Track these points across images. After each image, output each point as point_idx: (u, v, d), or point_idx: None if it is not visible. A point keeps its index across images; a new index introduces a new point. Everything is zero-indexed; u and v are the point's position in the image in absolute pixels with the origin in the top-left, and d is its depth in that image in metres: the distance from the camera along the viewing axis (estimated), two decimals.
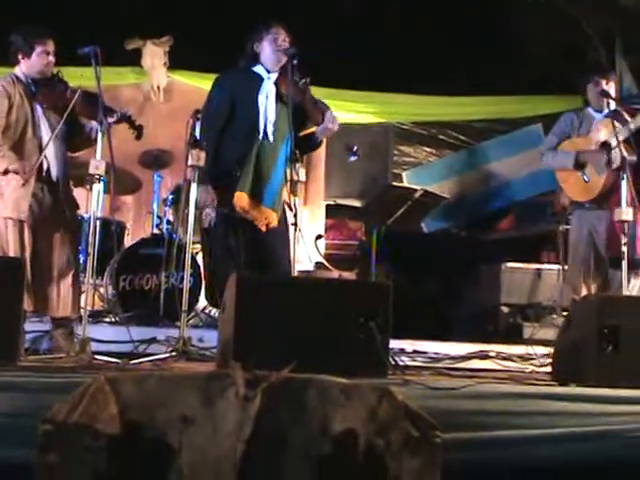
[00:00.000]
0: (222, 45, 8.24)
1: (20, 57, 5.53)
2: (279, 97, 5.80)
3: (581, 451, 2.61)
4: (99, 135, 5.21)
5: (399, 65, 9.36)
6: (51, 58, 5.54)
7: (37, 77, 5.54)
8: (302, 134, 5.91)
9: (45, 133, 5.48)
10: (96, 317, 6.88)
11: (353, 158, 5.76)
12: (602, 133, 6.22)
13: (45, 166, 5.44)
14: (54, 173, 5.48)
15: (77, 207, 5.70)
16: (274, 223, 5.71)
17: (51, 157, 5.46)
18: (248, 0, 8.82)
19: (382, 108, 10.39)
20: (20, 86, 5.50)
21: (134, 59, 9.34)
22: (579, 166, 6.30)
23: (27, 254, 5.34)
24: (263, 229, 5.70)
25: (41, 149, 5.40)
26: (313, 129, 5.90)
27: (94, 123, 5.46)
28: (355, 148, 5.73)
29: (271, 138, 5.74)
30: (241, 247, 5.74)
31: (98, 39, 5.45)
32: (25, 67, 5.54)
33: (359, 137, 9.40)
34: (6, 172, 5.33)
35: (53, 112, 5.51)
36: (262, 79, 5.84)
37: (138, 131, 5.76)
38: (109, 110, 5.48)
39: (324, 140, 6.08)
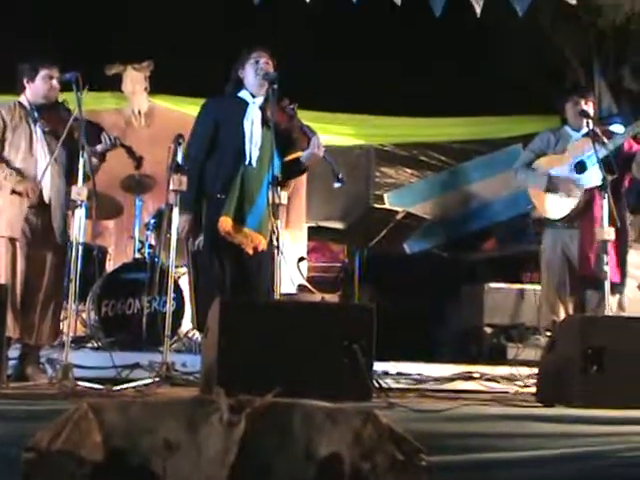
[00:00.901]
0: (203, 69, 8.26)
1: (25, 82, 5.63)
2: (264, 122, 5.79)
3: (568, 472, 2.61)
4: (81, 160, 5.21)
5: (380, 87, 9.38)
6: (55, 83, 5.59)
7: (42, 102, 5.60)
8: (287, 159, 5.91)
9: (42, 156, 5.51)
10: (78, 343, 6.85)
11: (337, 185, 5.74)
12: (580, 151, 6.25)
13: (38, 189, 5.46)
14: (46, 196, 5.49)
15: (67, 234, 5.69)
16: (262, 246, 5.69)
17: (46, 180, 5.47)
18: (229, 24, 8.84)
19: (363, 130, 10.42)
20: (21, 110, 5.58)
21: (114, 84, 9.33)
22: (550, 189, 6.33)
23: (18, 278, 5.35)
24: (250, 252, 5.69)
25: (36, 170, 5.45)
26: (298, 154, 5.89)
27: (98, 148, 5.54)
28: (341, 175, 5.72)
29: (256, 163, 5.73)
30: (227, 272, 5.73)
31: (78, 64, 5.46)
32: (30, 93, 5.62)
33: (340, 159, 9.41)
34: (12, 192, 5.40)
35: (54, 137, 5.51)
36: (247, 104, 5.85)
37: (138, 162, 5.82)
38: (105, 137, 5.53)
39: (310, 166, 6.05)
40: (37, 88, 5.59)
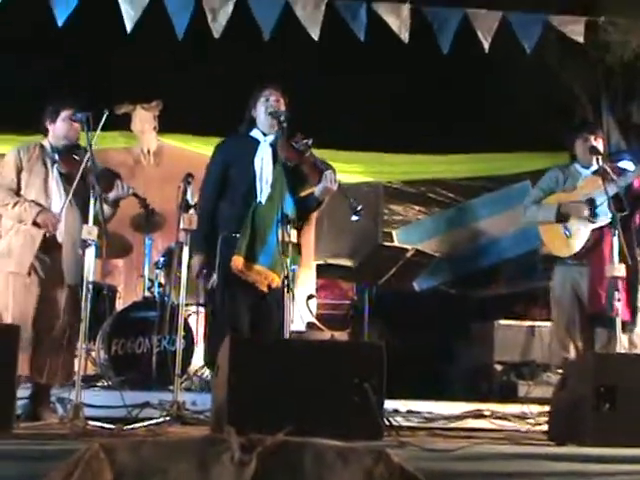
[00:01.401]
0: (211, 108, 8.30)
1: (47, 124, 5.72)
2: (276, 159, 5.80)
3: None
4: (92, 201, 5.23)
5: (388, 125, 9.42)
6: (76, 125, 5.62)
7: (63, 143, 5.67)
8: (302, 195, 5.90)
9: (57, 197, 5.57)
10: (89, 382, 6.83)
11: (355, 218, 5.70)
12: (590, 188, 6.24)
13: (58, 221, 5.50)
14: (60, 237, 5.51)
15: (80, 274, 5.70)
16: (276, 283, 5.65)
17: (61, 222, 5.50)
18: (238, 62, 8.89)
19: (371, 167, 10.44)
20: (40, 151, 5.65)
21: (124, 123, 9.38)
22: (561, 218, 6.31)
23: (30, 317, 5.36)
24: (264, 290, 5.67)
25: (52, 210, 5.50)
26: (312, 189, 5.87)
27: (111, 195, 5.57)
28: (359, 208, 5.68)
29: (267, 200, 5.73)
30: (241, 310, 5.71)
31: (87, 104, 5.51)
32: (52, 135, 5.72)
33: (349, 196, 9.43)
34: (35, 223, 5.45)
35: (72, 180, 5.52)
36: (258, 142, 5.87)
37: (149, 213, 5.94)
38: (119, 185, 5.58)
39: (324, 200, 6.01)
40: (58, 129, 5.68)
